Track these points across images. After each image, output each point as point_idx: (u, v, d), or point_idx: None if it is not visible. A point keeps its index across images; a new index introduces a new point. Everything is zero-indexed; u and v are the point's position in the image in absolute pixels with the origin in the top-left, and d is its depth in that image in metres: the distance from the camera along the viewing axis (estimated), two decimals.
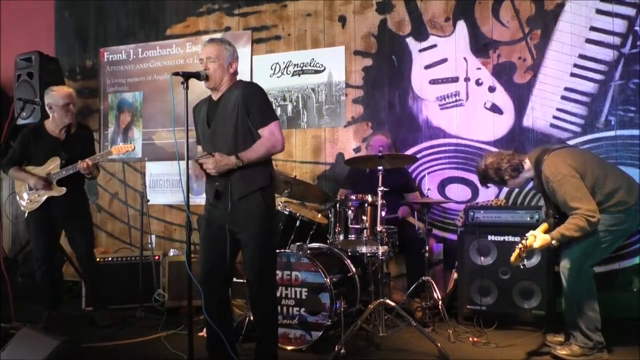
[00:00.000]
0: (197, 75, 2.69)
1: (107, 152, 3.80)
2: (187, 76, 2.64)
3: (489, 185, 3.36)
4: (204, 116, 2.83)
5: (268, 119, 2.73)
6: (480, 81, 4.42)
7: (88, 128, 4.13)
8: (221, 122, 2.74)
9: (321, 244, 3.70)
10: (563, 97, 4.18)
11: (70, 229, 3.87)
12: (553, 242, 2.93)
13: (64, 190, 3.73)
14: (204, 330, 3.51)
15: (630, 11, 4.03)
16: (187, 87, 2.63)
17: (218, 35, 5.22)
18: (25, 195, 3.83)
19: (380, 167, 3.44)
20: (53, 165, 3.77)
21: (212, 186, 2.76)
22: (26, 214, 3.85)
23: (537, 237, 2.94)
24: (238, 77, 2.94)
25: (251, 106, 2.71)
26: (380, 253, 3.41)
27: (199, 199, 5.25)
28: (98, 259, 4.27)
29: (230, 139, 2.71)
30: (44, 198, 3.75)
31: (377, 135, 4.33)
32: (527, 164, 3.20)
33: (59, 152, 3.77)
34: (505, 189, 4.30)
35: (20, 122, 4.61)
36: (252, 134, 2.72)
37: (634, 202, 3.00)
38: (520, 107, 4.31)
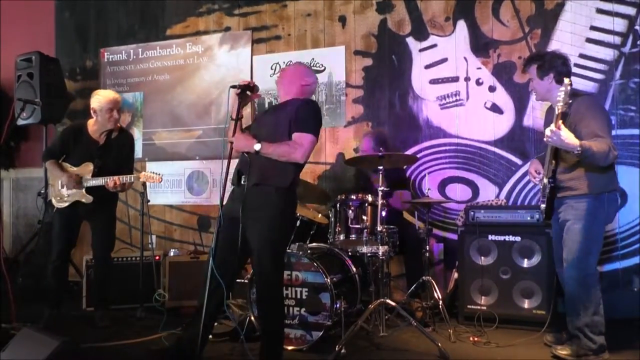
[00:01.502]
0: (249, 87, 2.84)
1: (136, 177, 3.79)
2: (244, 88, 2.83)
3: (527, 70, 3.25)
4: (263, 112, 3.03)
5: (304, 128, 2.80)
6: (480, 81, 4.42)
7: (129, 134, 4.08)
8: (270, 125, 2.90)
9: (321, 244, 3.70)
10: None
11: (94, 228, 3.90)
12: (579, 148, 2.80)
13: (90, 199, 3.75)
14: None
15: (631, 10, 4.03)
16: (242, 99, 2.83)
17: (218, 35, 5.22)
18: (56, 191, 3.84)
19: (381, 167, 3.44)
20: (86, 170, 3.77)
21: (238, 173, 2.87)
22: (54, 209, 3.86)
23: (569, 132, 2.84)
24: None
25: (298, 115, 2.81)
26: (380, 253, 3.41)
27: (199, 199, 5.27)
28: None
29: (270, 137, 2.81)
30: (73, 199, 3.78)
31: (365, 137, 4.30)
32: (566, 87, 3.01)
33: (93, 158, 3.77)
34: (505, 190, 4.31)
35: (20, 122, 4.62)
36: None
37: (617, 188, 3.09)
38: (521, 107, 4.30)
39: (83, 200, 3.77)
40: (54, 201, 3.87)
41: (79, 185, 3.75)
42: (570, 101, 2.88)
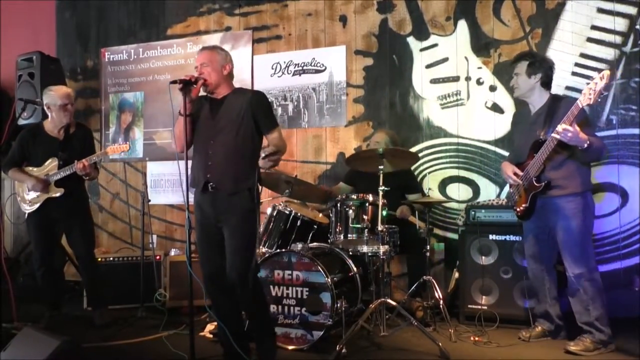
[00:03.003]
0: (190, 83, 2.79)
1: (103, 153, 3.83)
2: (184, 83, 2.77)
3: (516, 66, 3.33)
4: (207, 114, 2.90)
5: (275, 124, 2.94)
6: (481, 80, 4.42)
7: (87, 127, 4.11)
8: (224, 123, 2.84)
9: (322, 244, 3.70)
10: None
11: (69, 229, 3.87)
12: (586, 143, 2.92)
13: (61, 191, 3.74)
14: (205, 329, 3.54)
15: (632, 10, 4.02)
16: (187, 93, 2.78)
17: (219, 35, 5.23)
18: (25, 196, 3.83)
19: (381, 167, 3.44)
20: (51, 166, 3.77)
21: (203, 179, 2.83)
22: (26, 215, 3.85)
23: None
24: (237, 79, 3.04)
25: (260, 112, 2.87)
26: (381, 252, 3.41)
27: None
28: (100, 259, 4.28)
29: (232, 139, 2.81)
30: (43, 199, 3.75)
31: (378, 133, 4.34)
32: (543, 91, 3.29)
33: (56, 153, 3.77)
34: (506, 189, 4.30)
35: (21, 122, 4.62)
36: (254, 137, 2.87)
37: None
38: (521, 107, 4.29)
39: (53, 194, 3.74)
40: (24, 207, 3.85)
41: (46, 187, 3.74)
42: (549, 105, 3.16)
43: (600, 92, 2.79)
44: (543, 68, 3.27)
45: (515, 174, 3.29)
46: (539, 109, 3.31)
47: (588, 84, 2.85)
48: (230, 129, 2.82)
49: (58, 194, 3.75)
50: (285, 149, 2.98)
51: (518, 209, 3.35)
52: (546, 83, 3.31)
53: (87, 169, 3.68)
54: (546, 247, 3.34)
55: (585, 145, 2.93)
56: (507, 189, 4.28)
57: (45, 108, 3.81)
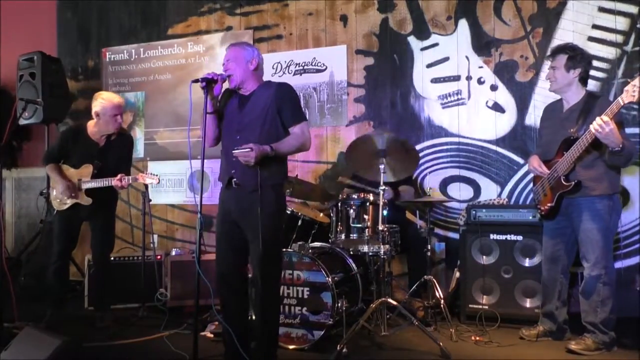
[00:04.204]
0: (213, 80, 2.74)
1: (134, 178, 3.79)
2: (208, 81, 2.72)
3: (554, 58, 3.21)
4: (235, 109, 2.86)
5: (300, 118, 2.83)
6: (482, 80, 4.41)
7: (128, 135, 4.08)
8: (250, 118, 2.80)
9: (323, 243, 3.70)
10: None
11: (93, 228, 3.90)
12: (621, 145, 2.82)
13: (90, 201, 3.76)
14: (207, 329, 3.54)
15: (633, 9, 4.02)
16: (208, 92, 2.73)
17: (220, 35, 5.23)
18: (56, 194, 3.84)
19: (382, 165, 3.44)
20: (86, 172, 3.77)
21: (227, 175, 2.81)
22: (55, 211, 3.87)
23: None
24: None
25: (284, 105, 2.80)
26: (382, 252, 3.41)
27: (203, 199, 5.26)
28: None
29: (256, 134, 2.76)
30: (73, 202, 3.78)
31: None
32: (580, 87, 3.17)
33: (93, 159, 3.77)
34: (507, 189, 4.31)
35: (22, 122, 4.62)
36: (279, 132, 2.80)
37: None
38: (522, 106, 4.30)
39: (83, 202, 3.78)
40: (54, 204, 3.87)
41: (76, 193, 3.75)
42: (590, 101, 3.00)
43: None
44: (583, 63, 3.15)
45: (540, 166, 3.21)
46: (573, 105, 3.18)
47: (630, 81, 2.72)
48: (255, 124, 2.77)
49: (87, 204, 3.77)
50: (307, 147, 2.86)
51: (542, 208, 3.27)
52: (584, 79, 3.19)
53: (124, 186, 3.70)
54: (566, 249, 3.27)
55: (619, 148, 2.82)
56: (507, 188, 4.31)
57: (93, 114, 3.78)
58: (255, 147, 2.64)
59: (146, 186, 4.17)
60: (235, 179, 2.78)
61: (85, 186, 3.76)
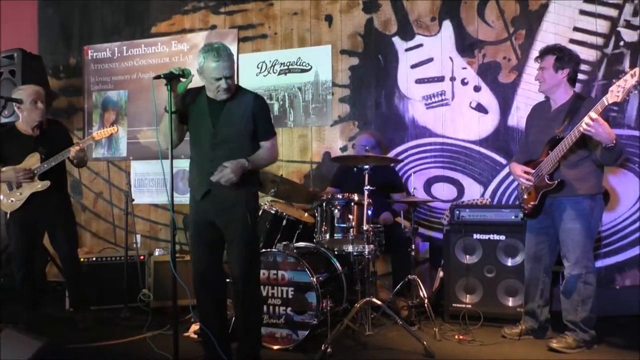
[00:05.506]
0: (175, 76, 2.70)
1: (90, 138, 3.79)
2: (168, 78, 2.67)
3: (543, 59, 3.24)
4: (206, 114, 2.80)
5: (273, 133, 2.89)
6: (465, 81, 4.45)
7: (60, 123, 4.08)
8: (227, 126, 2.77)
9: (308, 243, 3.70)
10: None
11: (53, 228, 3.81)
12: (613, 142, 2.83)
13: (48, 183, 3.67)
14: (190, 330, 3.52)
15: (613, 12, 4.08)
16: (172, 89, 2.69)
17: (204, 34, 5.19)
18: (5, 195, 3.75)
19: (367, 166, 3.45)
20: (33, 161, 3.70)
21: (203, 187, 2.77)
22: (7, 215, 3.77)
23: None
24: None
25: (260, 119, 2.81)
26: (366, 252, 3.42)
27: (185, 198, 5.23)
28: (82, 259, 4.23)
29: (236, 144, 2.76)
30: (27, 195, 3.67)
31: (363, 134, 4.37)
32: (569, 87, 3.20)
33: (36, 148, 3.71)
34: (490, 189, 4.35)
35: (2, 120, 4.54)
36: (252, 143, 2.81)
37: None
38: (505, 107, 4.34)
39: (40, 188, 3.68)
40: (5, 208, 3.75)
41: (30, 175, 3.66)
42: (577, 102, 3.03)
43: (629, 90, 2.70)
44: (571, 63, 3.18)
45: (525, 172, 3.23)
46: (561, 106, 3.21)
47: (615, 81, 2.75)
48: (233, 133, 2.75)
49: (45, 187, 3.67)
50: (275, 160, 2.94)
51: (526, 207, 3.29)
52: (572, 79, 3.22)
53: (82, 151, 3.66)
54: (549, 248, 3.30)
55: (612, 144, 2.83)
56: (490, 188, 4.35)
57: (15, 108, 3.77)
58: (232, 167, 2.64)
59: (129, 186, 4.13)
60: (214, 190, 2.74)
61: (39, 171, 3.68)
